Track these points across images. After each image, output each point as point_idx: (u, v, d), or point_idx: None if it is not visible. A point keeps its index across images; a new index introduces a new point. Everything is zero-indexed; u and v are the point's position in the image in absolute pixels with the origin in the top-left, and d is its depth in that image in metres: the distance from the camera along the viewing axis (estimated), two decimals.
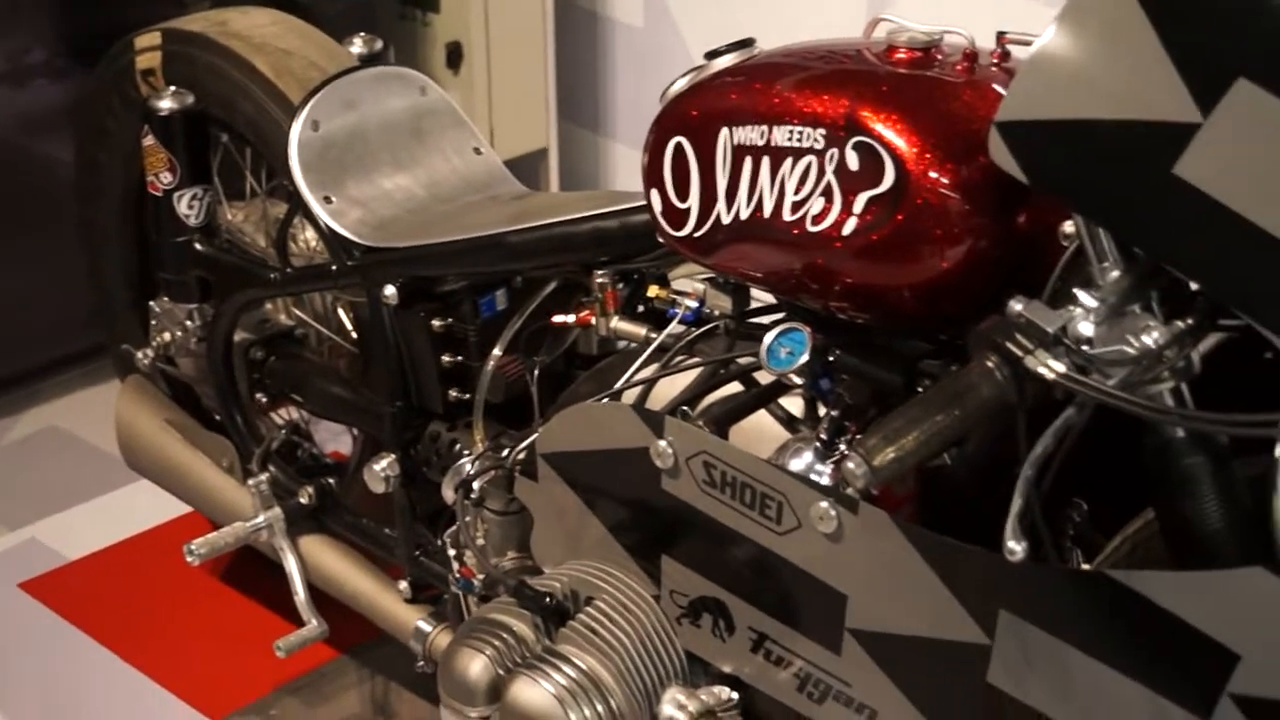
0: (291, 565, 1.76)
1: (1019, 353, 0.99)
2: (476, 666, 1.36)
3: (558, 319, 1.53)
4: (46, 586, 2.19)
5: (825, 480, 1.16)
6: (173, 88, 1.74)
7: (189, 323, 1.81)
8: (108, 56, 1.92)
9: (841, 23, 2.26)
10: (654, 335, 1.37)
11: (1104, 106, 1.02)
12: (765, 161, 1.21)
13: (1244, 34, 0.94)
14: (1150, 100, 0.98)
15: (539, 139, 2.89)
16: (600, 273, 1.45)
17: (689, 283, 1.39)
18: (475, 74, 2.79)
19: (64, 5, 2.87)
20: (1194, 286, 1.00)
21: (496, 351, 1.57)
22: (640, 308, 1.44)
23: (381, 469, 1.61)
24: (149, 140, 1.75)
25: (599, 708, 1.30)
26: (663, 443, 1.25)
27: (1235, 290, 0.96)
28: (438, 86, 1.76)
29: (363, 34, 1.76)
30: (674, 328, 1.35)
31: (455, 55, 2.81)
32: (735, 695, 1.32)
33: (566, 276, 1.56)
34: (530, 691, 1.31)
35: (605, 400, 1.39)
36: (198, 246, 1.77)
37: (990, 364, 1.00)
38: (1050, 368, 0.97)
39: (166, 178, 1.71)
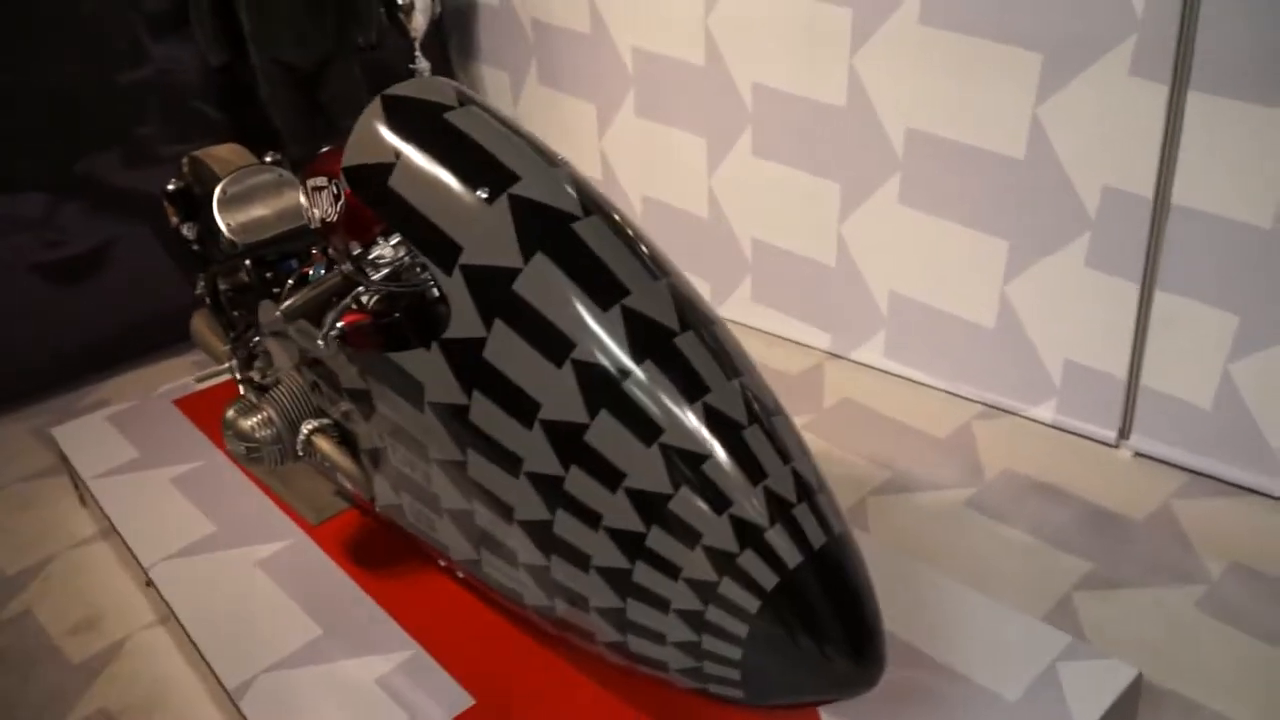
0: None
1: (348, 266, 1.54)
2: (228, 414, 1.89)
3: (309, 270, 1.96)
4: (185, 404, 2.80)
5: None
6: (175, 179, 2.41)
7: (202, 281, 2.45)
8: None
9: None
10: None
11: (380, 154, 1.49)
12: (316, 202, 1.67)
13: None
14: (380, 150, 1.48)
15: None
16: (314, 249, 1.98)
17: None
18: None
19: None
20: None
21: (290, 281, 2.00)
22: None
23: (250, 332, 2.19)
24: (165, 203, 2.44)
25: (269, 430, 1.85)
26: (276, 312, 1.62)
27: (417, 241, 1.45)
28: (288, 172, 2.28)
29: (270, 152, 2.37)
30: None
31: None
32: (330, 420, 1.84)
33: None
34: (240, 421, 1.88)
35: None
36: (195, 248, 2.44)
37: (345, 267, 1.57)
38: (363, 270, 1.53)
39: (174, 219, 2.43)
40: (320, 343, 1.53)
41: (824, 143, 2.88)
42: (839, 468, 2.59)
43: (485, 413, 1.38)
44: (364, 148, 1.51)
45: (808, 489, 1.27)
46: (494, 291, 1.35)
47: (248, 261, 2.22)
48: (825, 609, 1.24)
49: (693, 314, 1.34)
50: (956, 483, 2.49)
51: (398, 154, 1.46)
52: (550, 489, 1.33)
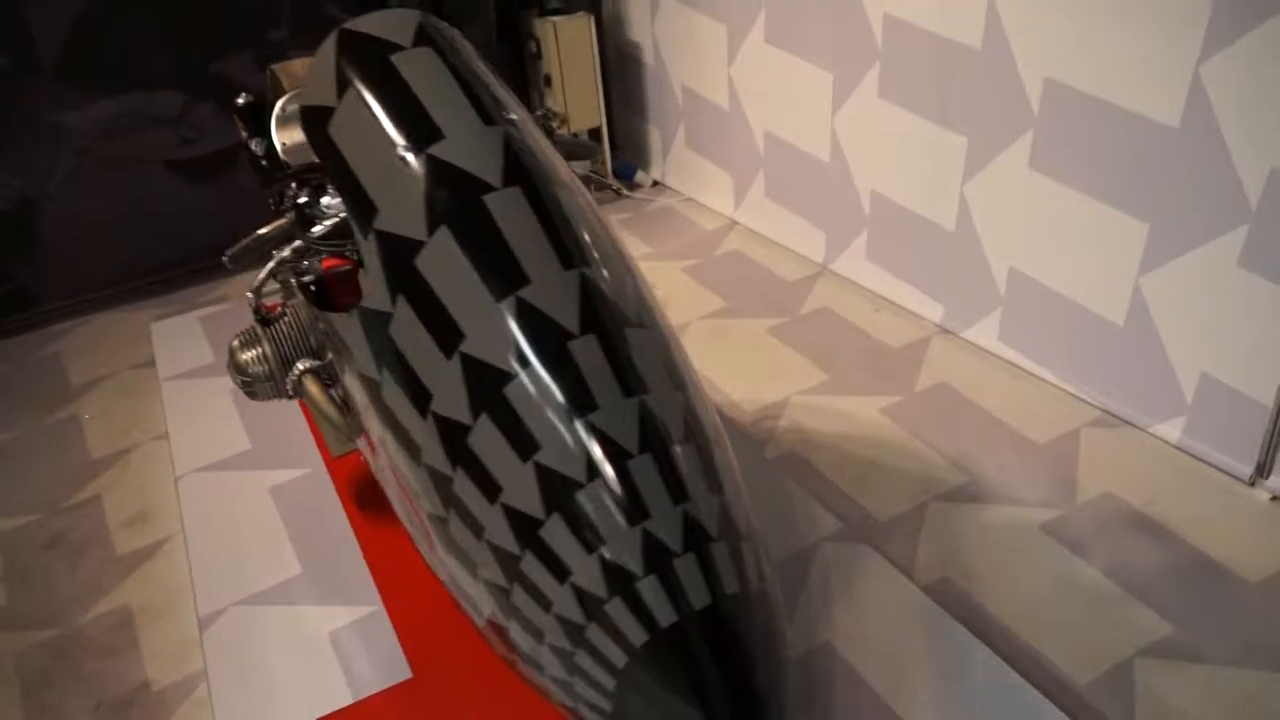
0: None
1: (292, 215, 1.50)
2: (233, 343, 1.88)
3: None
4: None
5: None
6: (245, 93, 2.36)
7: (271, 196, 2.68)
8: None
9: None
10: None
11: (326, 96, 1.40)
12: None
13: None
14: (326, 91, 1.41)
15: (594, 120, 3.70)
16: None
17: None
18: (558, 89, 3.67)
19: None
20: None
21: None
22: None
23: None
24: (235, 117, 2.41)
25: (263, 366, 1.84)
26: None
27: (345, 196, 1.33)
28: None
29: None
30: None
31: (549, 79, 3.69)
32: (320, 363, 1.77)
33: None
34: (240, 354, 1.86)
35: None
36: (263, 163, 2.46)
37: (288, 216, 1.53)
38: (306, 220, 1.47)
39: (244, 133, 2.44)
40: (249, 295, 1.45)
41: (953, 89, 2.51)
42: (909, 463, 2.32)
43: (392, 393, 1.26)
44: (315, 87, 1.40)
45: (700, 537, 1.07)
46: (399, 264, 1.21)
47: (294, 184, 2.17)
48: (706, 676, 1.05)
49: (606, 314, 1.15)
50: (1041, 500, 2.16)
51: (339, 96, 1.33)
52: (443, 486, 1.21)
